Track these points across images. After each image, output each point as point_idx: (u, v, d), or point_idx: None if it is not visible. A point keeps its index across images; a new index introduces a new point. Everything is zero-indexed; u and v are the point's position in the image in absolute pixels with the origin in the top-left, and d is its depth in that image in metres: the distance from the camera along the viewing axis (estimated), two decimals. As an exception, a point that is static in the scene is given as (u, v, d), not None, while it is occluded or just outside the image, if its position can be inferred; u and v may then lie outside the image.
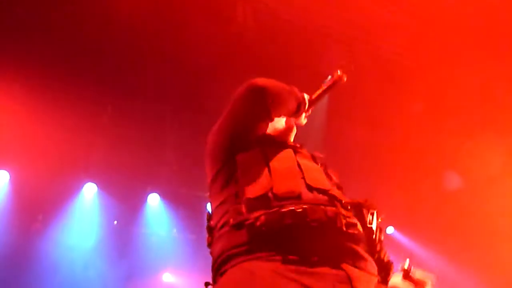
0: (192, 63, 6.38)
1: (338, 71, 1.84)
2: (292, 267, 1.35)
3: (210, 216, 1.68)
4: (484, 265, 7.81)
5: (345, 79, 1.84)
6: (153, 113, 6.78)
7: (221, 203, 1.61)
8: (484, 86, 6.67)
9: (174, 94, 6.76)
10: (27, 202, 7.07)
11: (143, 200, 7.90)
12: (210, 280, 1.58)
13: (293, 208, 1.42)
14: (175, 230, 7.98)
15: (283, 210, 1.42)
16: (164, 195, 7.87)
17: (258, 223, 1.42)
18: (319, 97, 1.89)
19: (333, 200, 1.51)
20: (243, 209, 1.49)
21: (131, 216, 7.90)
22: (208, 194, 1.75)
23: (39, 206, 7.27)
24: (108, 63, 6.24)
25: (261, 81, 1.65)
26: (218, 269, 1.50)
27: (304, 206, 1.43)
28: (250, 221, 1.44)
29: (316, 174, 1.60)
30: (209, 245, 1.63)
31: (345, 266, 1.40)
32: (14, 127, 6.39)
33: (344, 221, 1.45)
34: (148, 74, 6.48)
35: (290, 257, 1.37)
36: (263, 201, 1.48)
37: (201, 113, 6.72)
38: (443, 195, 7.81)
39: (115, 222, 7.80)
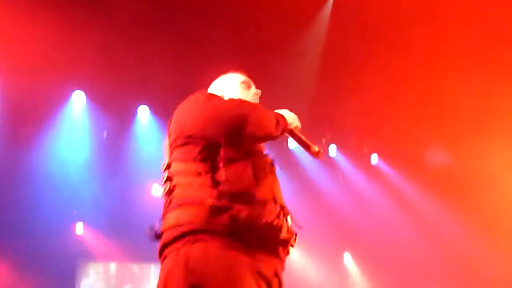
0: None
1: (321, 150, 2.08)
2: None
3: (169, 165, 1.86)
4: (466, 204, 8.07)
5: (314, 157, 2.11)
6: (145, 24, 6.52)
7: (195, 172, 1.79)
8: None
9: (168, 5, 6.50)
10: (15, 106, 7.00)
11: (133, 113, 7.86)
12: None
13: (271, 221, 1.78)
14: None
15: (264, 220, 1.75)
16: (154, 109, 7.83)
17: (241, 216, 1.70)
18: (293, 137, 2.08)
19: (287, 215, 1.90)
20: (224, 197, 1.73)
21: (121, 129, 7.89)
22: (171, 140, 1.91)
23: (28, 112, 7.20)
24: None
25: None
26: (189, 234, 1.70)
27: (278, 222, 1.81)
28: (233, 212, 1.70)
29: (279, 191, 1.94)
30: (170, 191, 1.81)
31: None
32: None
33: (294, 239, 1.89)
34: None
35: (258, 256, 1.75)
36: (245, 197, 1.75)
37: (195, 27, 6.52)
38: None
39: (105, 133, 7.79)
